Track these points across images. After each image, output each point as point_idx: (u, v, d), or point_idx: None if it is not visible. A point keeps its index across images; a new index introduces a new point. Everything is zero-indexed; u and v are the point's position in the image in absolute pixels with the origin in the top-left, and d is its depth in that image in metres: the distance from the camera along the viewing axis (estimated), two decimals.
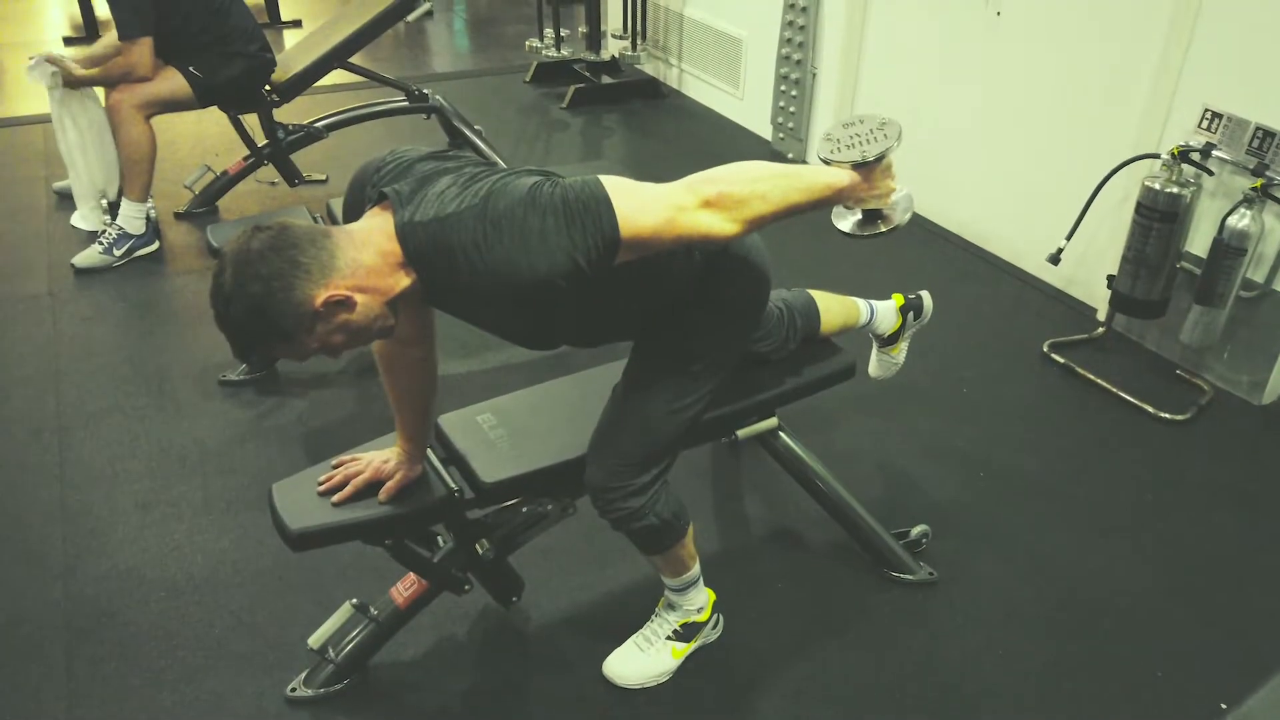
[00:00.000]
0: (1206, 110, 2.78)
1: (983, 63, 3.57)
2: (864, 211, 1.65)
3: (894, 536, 2.28)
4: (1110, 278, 3.04)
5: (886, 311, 2.36)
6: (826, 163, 1.59)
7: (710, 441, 2.17)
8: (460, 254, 1.38)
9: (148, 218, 3.62)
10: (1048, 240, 3.33)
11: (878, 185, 1.59)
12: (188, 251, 3.70)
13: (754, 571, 2.30)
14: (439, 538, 1.98)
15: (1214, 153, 2.74)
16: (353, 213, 1.57)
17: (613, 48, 5.38)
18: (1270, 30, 2.61)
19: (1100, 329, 3.21)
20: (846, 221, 1.68)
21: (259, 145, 3.92)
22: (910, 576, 2.27)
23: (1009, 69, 3.49)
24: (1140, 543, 2.39)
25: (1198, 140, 2.78)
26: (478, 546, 1.94)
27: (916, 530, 2.32)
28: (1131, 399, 2.88)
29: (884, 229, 1.65)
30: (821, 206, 1.57)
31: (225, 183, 4.01)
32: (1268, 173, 2.62)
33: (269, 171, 4.06)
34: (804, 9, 4.20)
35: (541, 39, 5.38)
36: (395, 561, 1.86)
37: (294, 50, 4.05)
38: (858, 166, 1.57)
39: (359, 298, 1.41)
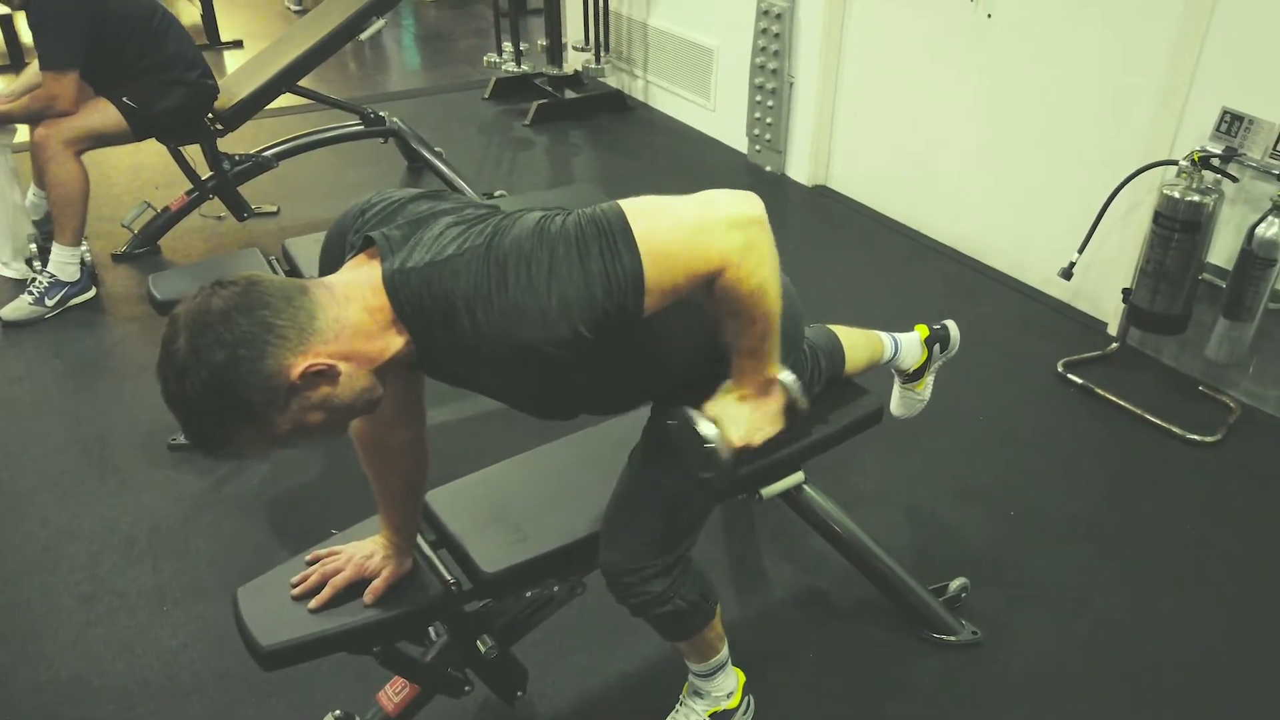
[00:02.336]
0: (1225, 112, 2.62)
1: (974, 67, 3.40)
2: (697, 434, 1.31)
3: (931, 593, 2.08)
4: (1125, 291, 2.88)
5: (911, 345, 2.16)
6: None
7: (729, 500, 1.95)
8: (461, 302, 1.14)
9: (82, 262, 3.32)
10: (1051, 252, 3.17)
11: (765, 420, 1.35)
12: (129, 298, 3.40)
13: (780, 642, 2.07)
14: (430, 629, 1.73)
15: (1236, 158, 2.58)
16: (332, 264, 1.32)
17: (575, 61, 5.16)
18: None
19: (1114, 344, 3.04)
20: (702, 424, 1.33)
21: (203, 178, 3.64)
22: (953, 638, 2.06)
23: (1003, 73, 3.32)
24: (1189, 586, 2.21)
25: (1215, 145, 2.62)
26: (479, 644, 1.69)
27: (955, 585, 2.12)
28: (1157, 420, 2.71)
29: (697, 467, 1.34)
30: (760, 353, 1.31)
31: (167, 220, 3.71)
32: None
33: (215, 205, 3.77)
34: (779, 16, 4.00)
35: (500, 54, 5.14)
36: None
37: (238, 74, 3.77)
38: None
39: (343, 366, 1.16)
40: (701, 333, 1.44)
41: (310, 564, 1.57)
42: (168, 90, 3.30)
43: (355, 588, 1.53)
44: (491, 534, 1.66)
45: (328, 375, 1.15)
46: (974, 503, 2.45)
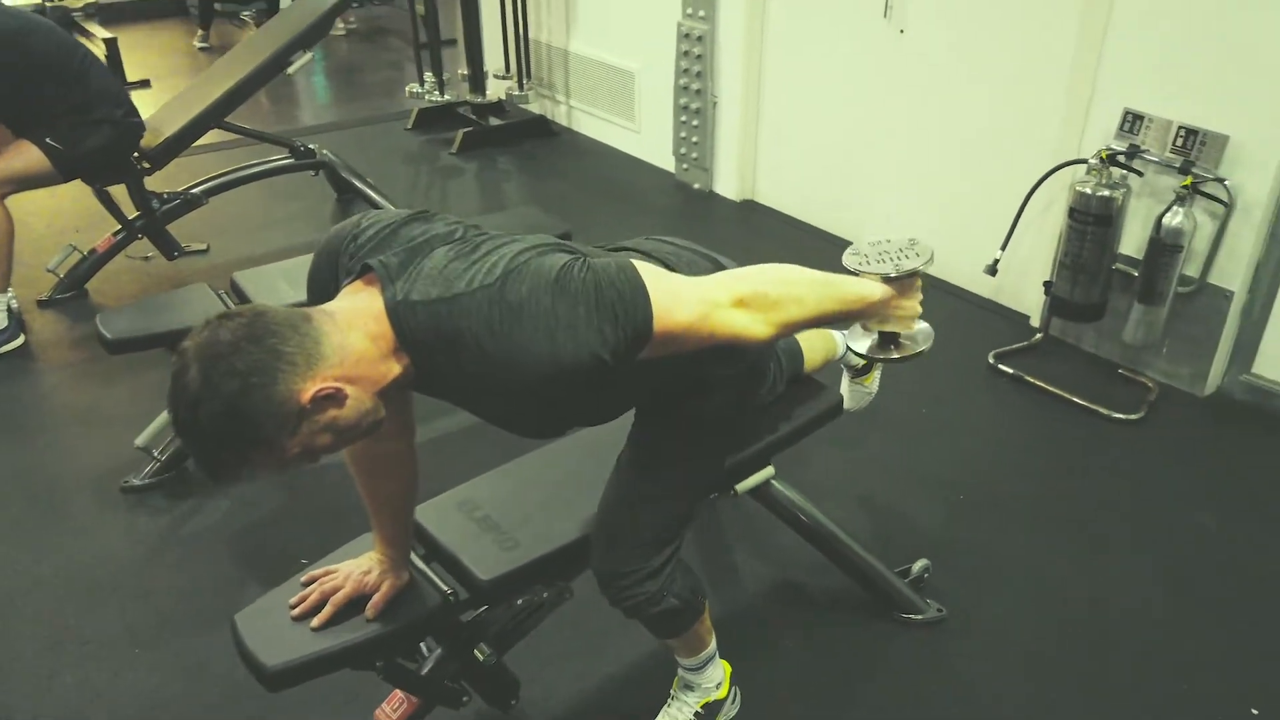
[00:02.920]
0: (1127, 113, 2.82)
1: (890, 81, 3.57)
2: (880, 334, 1.52)
3: (897, 575, 2.18)
4: (1046, 284, 3.06)
5: None
6: (854, 274, 1.46)
7: (709, 496, 2.02)
8: (470, 339, 1.19)
9: (9, 310, 3.23)
10: (972, 252, 3.34)
11: (906, 303, 1.47)
12: (59, 343, 3.30)
13: (758, 632, 2.14)
14: (422, 645, 1.75)
15: (1139, 155, 2.78)
16: (322, 289, 1.35)
17: (497, 89, 5.21)
18: (1184, 29, 2.67)
19: (1038, 335, 3.22)
20: (862, 342, 1.55)
21: (130, 218, 3.57)
22: (919, 616, 2.16)
23: (918, 85, 3.49)
24: (1134, 550, 2.36)
25: (1120, 143, 2.82)
26: (477, 652, 1.71)
27: (918, 566, 2.22)
28: (1084, 403, 2.89)
29: (897, 355, 1.52)
30: (851, 319, 1.46)
31: (94, 262, 3.62)
32: (1194, 170, 2.67)
33: (142, 245, 3.69)
34: (699, 38, 4.13)
35: (422, 84, 5.15)
36: (378, 683, 1.62)
37: (163, 112, 3.72)
38: (889, 280, 1.45)
39: (349, 389, 1.20)
40: (691, 363, 1.53)
41: (306, 585, 1.58)
42: (92, 129, 3.24)
43: (355, 604, 1.54)
44: (483, 543, 1.69)
45: (335, 399, 1.18)
46: (925, 489, 2.57)
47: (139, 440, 2.53)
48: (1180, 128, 2.71)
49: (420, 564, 1.67)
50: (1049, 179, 2.96)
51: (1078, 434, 2.79)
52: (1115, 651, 2.08)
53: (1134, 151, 2.78)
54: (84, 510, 2.52)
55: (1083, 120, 2.97)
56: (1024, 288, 3.35)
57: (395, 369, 1.25)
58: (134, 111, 3.37)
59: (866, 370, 2.34)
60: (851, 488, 2.57)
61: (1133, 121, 2.82)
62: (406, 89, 5.25)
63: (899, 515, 2.48)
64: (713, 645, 1.82)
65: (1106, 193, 2.76)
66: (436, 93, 5.12)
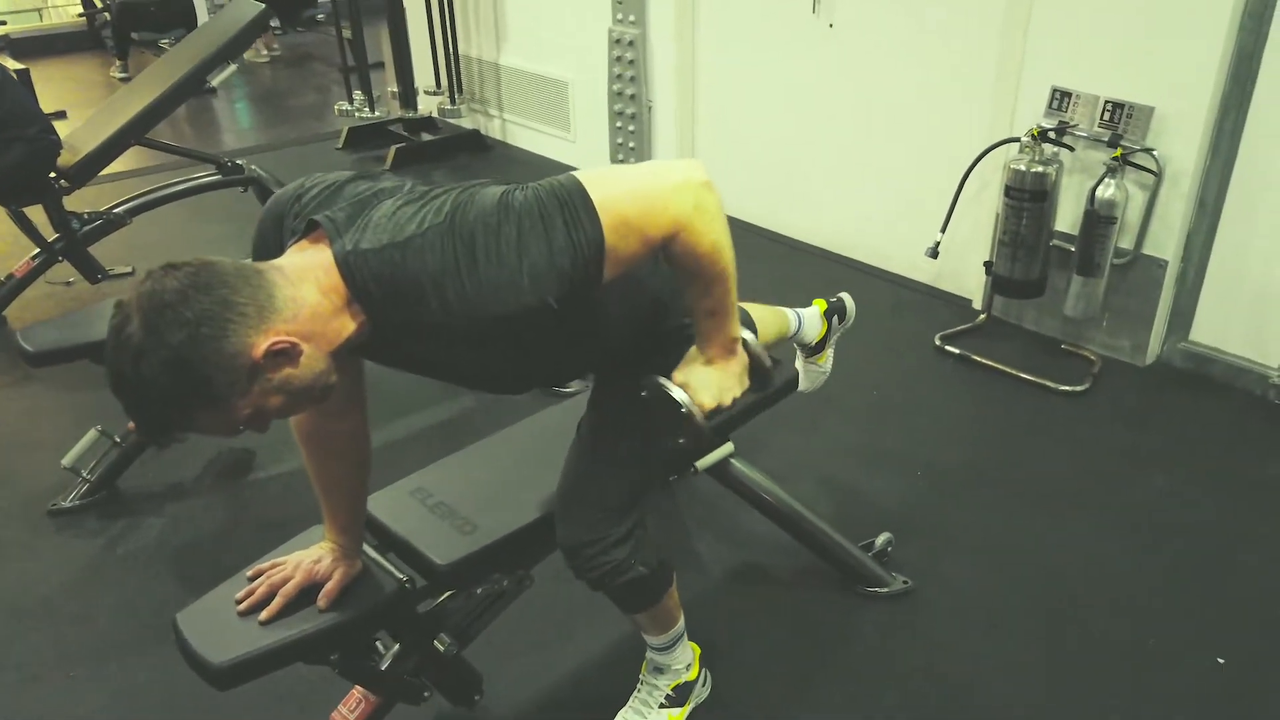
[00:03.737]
0: (1055, 90, 2.88)
1: (822, 76, 3.61)
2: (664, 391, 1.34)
3: (860, 549, 2.16)
4: (987, 264, 3.09)
5: (811, 318, 2.25)
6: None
7: (669, 476, 1.97)
8: (429, 284, 1.13)
9: None
10: (912, 240, 3.37)
11: (730, 381, 1.36)
12: None
13: (726, 614, 2.10)
14: (378, 643, 1.67)
15: (1069, 131, 2.83)
16: (268, 252, 1.28)
17: (428, 105, 5.15)
18: (1104, 5, 2.74)
19: (982, 316, 3.26)
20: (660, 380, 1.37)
21: (49, 240, 3.42)
22: (886, 589, 2.14)
23: (849, 78, 3.53)
24: (1088, 514, 2.37)
25: (1050, 121, 2.87)
26: (437, 643, 1.64)
27: (880, 540, 2.20)
28: (1030, 378, 2.92)
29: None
30: (721, 314, 1.31)
31: (12, 288, 3.45)
32: (1122, 142, 2.73)
33: (64, 269, 3.55)
34: (630, 43, 4.14)
35: (351, 101, 5.08)
36: (333, 684, 1.54)
37: (82, 130, 3.58)
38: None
39: (304, 346, 1.13)
40: (644, 303, 1.49)
41: (253, 579, 1.49)
42: (4, 148, 3.11)
43: (306, 596, 1.47)
44: (439, 529, 1.63)
45: (290, 355, 1.12)
46: (882, 467, 2.56)
47: (66, 460, 2.41)
48: (1107, 102, 2.77)
49: (374, 554, 1.59)
50: (984, 161, 3.01)
51: (1026, 408, 2.82)
52: (1079, 610, 2.08)
53: (1064, 128, 2.83)
54: (10, 537, 2.38)
55: (1013, 101, 3.02)
56: (964, 272, 3.39)
57: (350, 325, 1.18)
58: (50, 130, 3.25)
59: (820, 349, 2.32)
60: (810, 470, 2.55)
61: (1061, 99, 2.87)
62: (335, 107, 5.18)
63: (858, 494, 2.47)
64: (681, 622, 1.77)
65: (1040, 169, 2.80)
66: (367, 109, 5.04)
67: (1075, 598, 2.11)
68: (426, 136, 5.08)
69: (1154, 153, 2.71)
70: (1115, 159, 2.73)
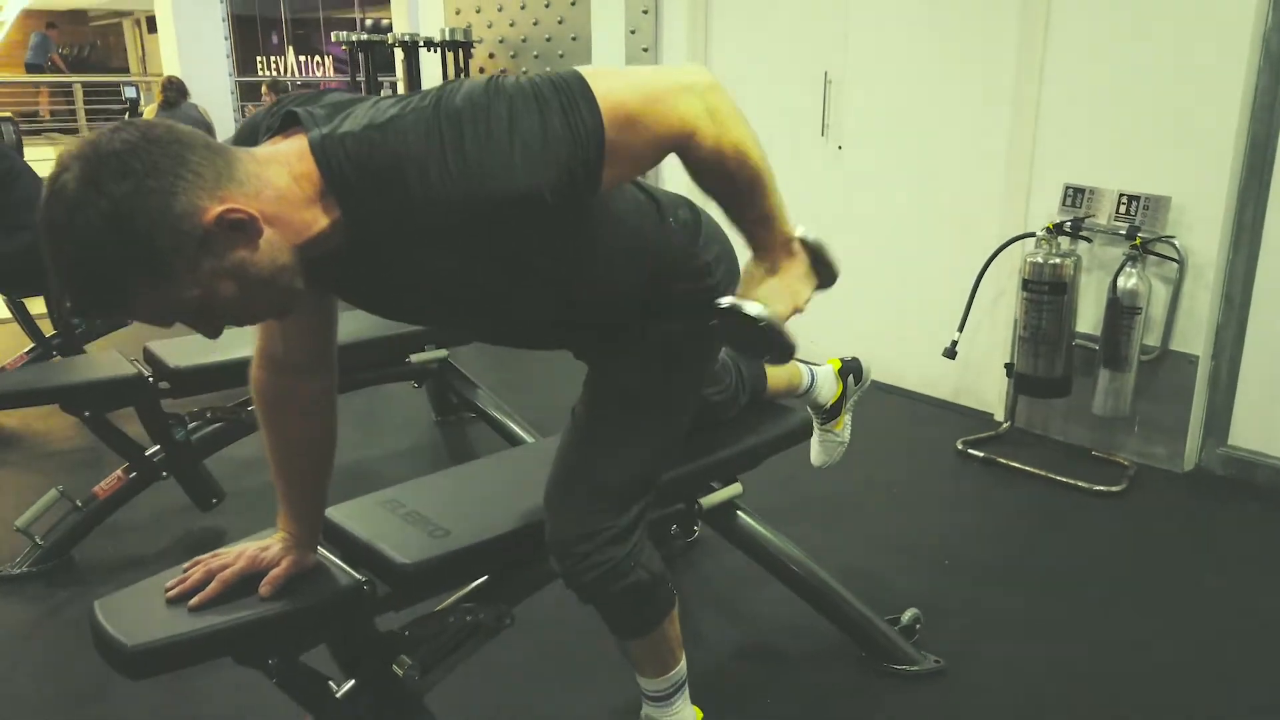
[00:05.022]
0: (1068, 187, 2.86)
1: (832, 197, 3.63)
2: (743, 309, 1.23)
3: (887, 624, 1.92)
4: (1008, 366, 2.98)
5: (826, 377, 2.12)
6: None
7: (670, 510, 1.77)
8: (411, 165, 1.01)
9: None
10: (925, 356, 3.28)
11: (800, 285, 1.25)
12: None
13: (736, 691, 1.84)
14: (330, 683, 1.44)
15: (1085, 224, 2.79)
16: None
17: None
18: (1110, 102, 2.76)
19: (1005, 424, 3.10)
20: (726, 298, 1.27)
21: (47, 336, 3.37)
22: (915, 668, 1.88)
23: (859, 198, 3.55)
24: (1132, 608, 2.13)
25: (1065, 215, 2.83)
26: (396, 667, 1.41)
27: (908, 615, 1.97)
28: (1062, 478, 2.73)
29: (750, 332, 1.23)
30: (764, 224, 1.23)
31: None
32: (1141, 233, 2.67)
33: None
34: None
35: None
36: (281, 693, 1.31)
37: None
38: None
39: (265, 229, 1.00)
40: (643, 257, 1.37)
41: (190, 568, 1.30)
42: (9, 236, 3.11)
43: (247, 585, 1.27)
44: (407, 534, 1.44)
45: (247, 231, 0.99)
46: (908, 557, 2.34)
47: (19, 521, 2.23)
48: (1122, 195, 2.74)
49: (335, 558, 1.40)
50: (998, 267, 2.96)
51: (1059, 506, 2.61)
52: (1119, 700, 1.81)
53: (1079, 223, 2.79)
54: None
55: (1024, 203, 3.00)
56: (983, 385, 3.26)
57: (321, 220, 1.04)
58: None
59: (835, 413, 2.18)
60: (828, 556, 2.29)
61: (1075, 195, 2.85)
62: None
63: (881, 577, 2.24)
64: (683, 667, 1.53)
65: (1058, 260, 2.74)
66: None
67: (1117, 695, 1.84)
68: None
69: (1174, 241, 2.65)
70: (1135, 247, 2.66)
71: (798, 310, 1.24)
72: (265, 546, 1.31)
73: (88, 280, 0.97)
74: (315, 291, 1.18)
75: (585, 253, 1.26)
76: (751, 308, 1.20)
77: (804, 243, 1.26)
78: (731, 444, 1.78)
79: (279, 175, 1.03)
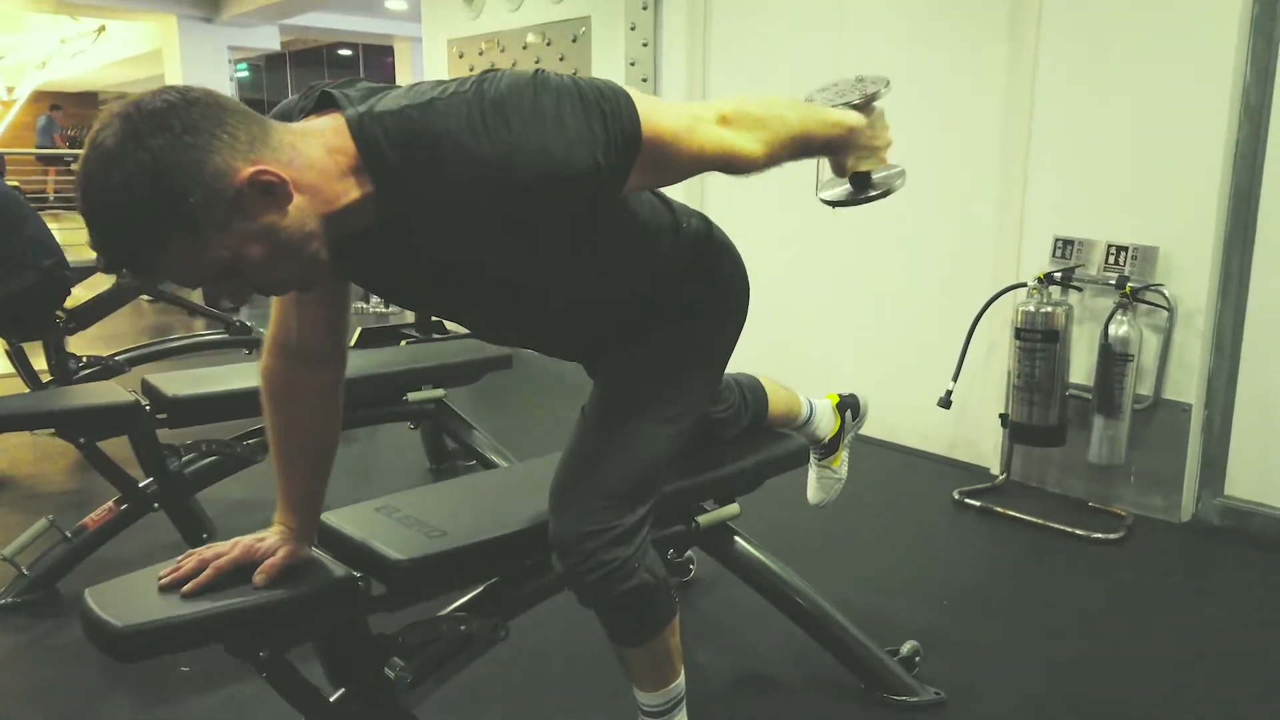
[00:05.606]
0: (1058, 240, 2.92)
1: (826, 250, 3.69)
2: (853, 178, 1.45)
3: (886, 654, 1.89)
4: (1003, 416, 2.99)
5: (824, 410, 2.14)
6: None
7: (669, 531, 1.75)
8: (448, 141, 1.04)
9: None
10: (921, 411, 3.29)
11: (879, 132, 1.42)
12: None
13: None
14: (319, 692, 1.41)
15: (1075, 275, 2.84)
16: None
17: None
18: (1096, 156, 2.83)
19: (1001, 476, 3.09)
20: (835, 191, 1.49)
21: (42, 381, 3.37)
22: (915, 699, 1.84)
23: (853, 252, 3.61)
24: (1133, 645, 2.10)
25: (1056, 266, 2.88)
26: (388, 670, 1.38)
27: (907, 647, 1.94)
28: (1060, 526, 2.71)
29: (876, 193, 1.46)
30: (832, 148, 1.38)
31: None
32: (1130, 282, 2.71)
33: None
34: None
35: (367, 301, 5.21)
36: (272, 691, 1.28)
37: (95, 279, 3.64)
38: (858, 109, 1.41)
39: (296, 196, 1.03)
40: (657, 267, 1.42)
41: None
42: (14, 274, 3.14)
43: (241, 574, 1.26)
44: (402, 534, 1.43)
45: (277, 194, 1.01)
46: (906, 595, 2.32)
47: (6, 550, 2.20)
48: (1110, 245, 2.79)
49: (329, 558, 1.39)
50: (991, 318, 2.99)
51: (1057, 552, 2.60)
52: None
53: (1069, 274, 2.84)
54: None
55: (1016, 257, 3.05)
56: (978, 439, 3.27)
57: (353, 193, 1.07)
58: (65, 266, 3.30)
59: (833, 449, 2.18)
60: (828, 594, 2.26)
61: (1064, 247, 2.90)
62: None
63: (882, 615, 2.20)
64: (682, 682, 1.51)
65: (1049, 308, 2.78)
66: (381, 307, 5.16)
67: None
68: (437, 337, 5.14)
69: (1163, 289, 2.70)
70: (1125, 296, 2.70)
71: (889, 143, 1.43)
72: (261, 538, 1.30)
73: (122, 231, 0.99)
74: (338, 275, 1.20)
75: (604, 245, 1.31)
76: (881, 174, 1.42)
77: (854, 114, 1.39)
78: (732, 462, 1.78)
79: (313, 147, 1.06)
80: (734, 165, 1.21)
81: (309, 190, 1.05)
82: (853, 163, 1.41)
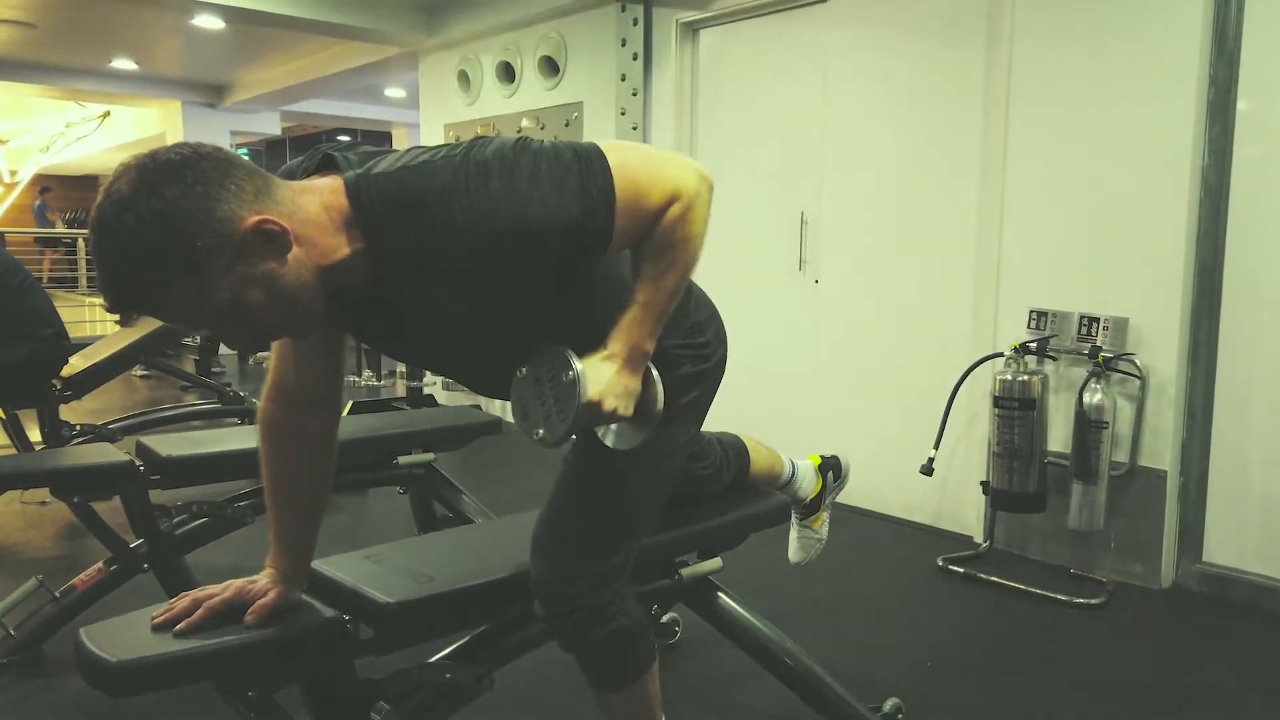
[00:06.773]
0: (1032, 311, 3.01)
1: (810, 329, 3.78)
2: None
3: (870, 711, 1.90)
4: (984, 484, 3.04)
5: (806, 470, 2.19)
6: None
7: (651, 586, 1.77)
8: (435, 199, 1.13)
9: None
10: (904, 481, 3.34)
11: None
12: None
13: None
14: None
15: (1050, 345, 2.92)
16: None
17: (432, 381, 5.34)
18: (1066, 232, 2.95)
19: (984, 544, 3.13)
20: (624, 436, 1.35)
21: (36, 450, 3.39)
22: None
23: (836, 330, 3.70)
24: (1112, 705, 2.12)
25: (1031, 336, 2.97)
26: (373, 715, 1.40)
27: (889, 704, 1.96)
28: (1042, 592, 2.74)
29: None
30: (654, 308, 1.28)
31: None
32: (1102, 352, 2.80)
33: (41, 491, 3.46)
34: None
35: (360, 374, 5.27)
36: None
37: (92, 348, 3.70)
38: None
39: (295, 247, 1.11)
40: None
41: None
42: (13, 343, 3.20)
43: (234, 614, 1.29)
44: (391, 579, 1.46)
45: (278, 244, 1.09)
46: (889, 656, 2.34)
47: None
48: (1083, 316, 2.89)
49: (319, 603, 1.42)
50: (970, 389, 3.07)
51: (1040, 617, 2.62)
52: None
53: (1044, 344, 2.92)
54: None
55: (992, 330, 3.14)
56: (962, 510, 3.31)
57: (345, 248, 1.16)
58: (64, 335, 3.36)
59: (815, 509, 2.23)
60: (811, 655, 2.31)
61: (1039, 318, 3.00)
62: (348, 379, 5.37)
63: (865, 675, 2.21)
64: None
65: (1026, 376, 2.86)
66: (374, 380, 5.22)
67: None
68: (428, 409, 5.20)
69: (1134, 359, 2.78)
70: (1098, 365, 2.78)
71: (597, 404, 1.23)
72: (253, 580, 1.34)
73: (131, 272, 1.05)
74: (334, 326, 1.27)
75: (584, 301, 1.36)
76: (576, 363, 1.21)
77: (649, 375, 1.29)
78: (714, 516, 1.82)
79: (311, 203, 1.15)
80: (678, 207, 1.23)
81: (307, 242, 1.13)
82: (595, 359, 1.26)
